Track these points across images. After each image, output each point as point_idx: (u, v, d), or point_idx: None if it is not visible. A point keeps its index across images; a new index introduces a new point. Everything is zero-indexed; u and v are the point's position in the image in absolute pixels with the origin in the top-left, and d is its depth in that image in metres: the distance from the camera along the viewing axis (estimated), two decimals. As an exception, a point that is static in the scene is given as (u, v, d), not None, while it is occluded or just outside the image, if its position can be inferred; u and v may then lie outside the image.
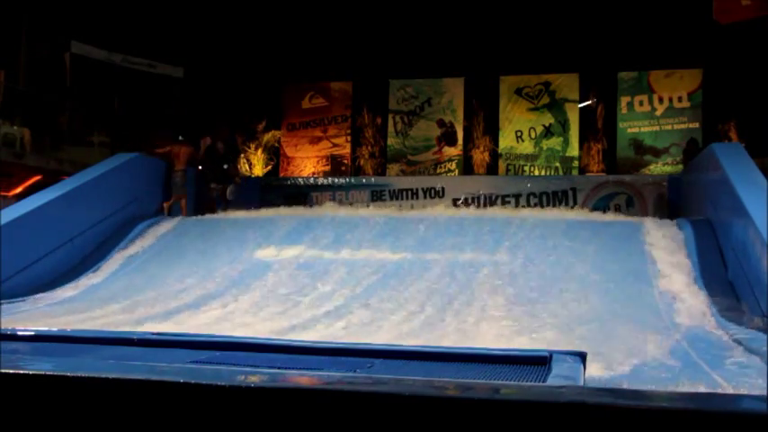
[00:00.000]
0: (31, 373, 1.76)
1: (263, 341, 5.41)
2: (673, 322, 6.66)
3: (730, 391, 4.27)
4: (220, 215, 11.93)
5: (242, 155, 15.27)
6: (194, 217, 11.97)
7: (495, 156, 14.80)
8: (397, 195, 13.64)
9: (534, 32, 15.41)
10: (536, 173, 14.39)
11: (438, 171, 14.88)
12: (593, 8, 14.95)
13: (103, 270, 9.58)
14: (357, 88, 15.87)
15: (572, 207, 12.56)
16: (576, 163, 14.44)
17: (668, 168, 13.92)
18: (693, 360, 5.27)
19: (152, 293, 8.33)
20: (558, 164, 14.53)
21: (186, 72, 16.98)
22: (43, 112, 14.65)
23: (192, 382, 1.67)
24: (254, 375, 1.81)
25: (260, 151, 15.56)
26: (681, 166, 13.38)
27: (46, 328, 5.37)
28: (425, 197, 13.51)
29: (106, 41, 15.92)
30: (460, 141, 14.99)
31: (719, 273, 7.97)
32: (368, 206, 12.95)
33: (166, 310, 7.53)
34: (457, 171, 14.80)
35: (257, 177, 15.06)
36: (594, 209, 12.32)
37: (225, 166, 12.62)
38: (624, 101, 14.59)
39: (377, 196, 13.66)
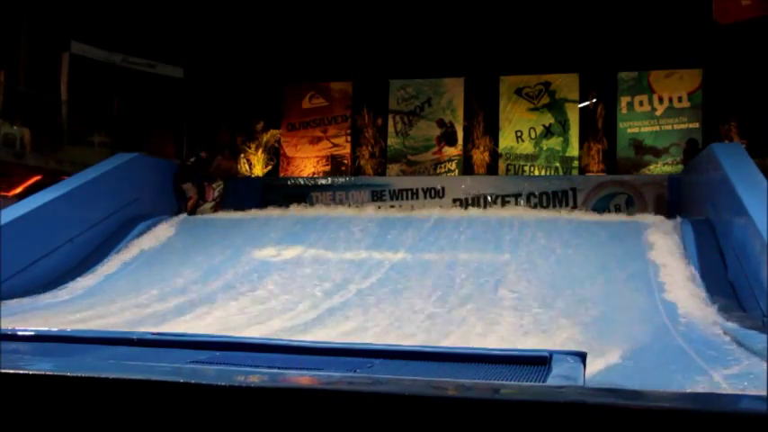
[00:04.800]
0: (31, 373, 1.76)
1: (263, 341, 5.41)
2: (672, 322, 6.66)
3: (730, 391, 4.27)
4: (222, 215, 11.92)
5: (241, 155, 15.28)
6: (195, 217, 11.97)
7: (495, 156, 14.78)
8: (397, 195, 13.63)
9: (534, 32, 15.38)
10: (536, 173, 14.39)
11: (438, 171, 14.87)
12: (593, 8, 14.93)
13: (104, 270, 9.58)
14: (357, 88, 15.85)
15: (572, 207, 12.55)
16: (576, 163, 14.43)
17: (668, 168, 13.90)
18: (693, 360, 5.28)
19: (152, 293, 8.33)
20: (558, 164, 14.52)
21: (186, 72, 16.96)
22: (43, 112, 14.63)
23: (192, 382, 1.67)
24: (254, 375, 1.81)
25: (260, 151, 15.56)
26: (681, 167, 13.37)
27: (46, 328, 5.37)
28: (425, 197, 13.49)
29: (106, 41, 15.90)
30: (460, 141, 14.98)
31: (719, 273, 7.97)
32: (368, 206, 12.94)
33: (166, 309, 7.54)
34: (457, 171, 14.78)
35: (257, 177, 15.06)
36: (594, 209, 12.31)
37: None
38: (624, 101, 14.58)
39: (377, 196, 13.64)
